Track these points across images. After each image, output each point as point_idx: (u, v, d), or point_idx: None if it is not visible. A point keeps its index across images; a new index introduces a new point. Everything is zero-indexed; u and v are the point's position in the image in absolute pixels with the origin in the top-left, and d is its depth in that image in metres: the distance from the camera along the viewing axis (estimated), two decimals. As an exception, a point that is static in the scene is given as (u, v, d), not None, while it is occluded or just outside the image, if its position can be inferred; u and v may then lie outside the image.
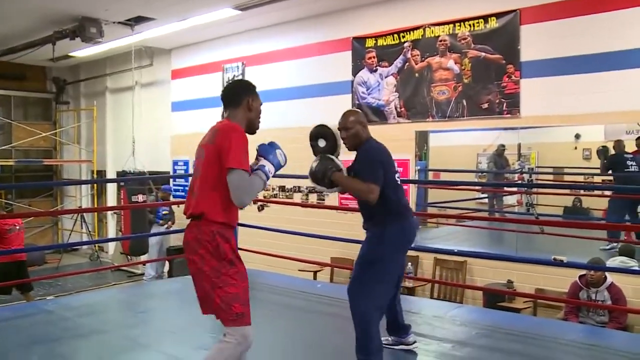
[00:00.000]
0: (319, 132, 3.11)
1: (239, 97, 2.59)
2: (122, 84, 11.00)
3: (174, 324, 4.04)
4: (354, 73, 7.09)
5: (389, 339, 3.32)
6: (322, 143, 3.08)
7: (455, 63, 6.15)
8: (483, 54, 5.93)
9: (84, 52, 9.93)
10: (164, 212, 8.61)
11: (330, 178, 2.95)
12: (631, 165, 5.48)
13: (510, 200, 6.84)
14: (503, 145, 6.40)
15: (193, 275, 2.44)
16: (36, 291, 8.53)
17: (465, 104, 6.08)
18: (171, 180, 9.77)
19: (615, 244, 5.48)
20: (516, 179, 6.31)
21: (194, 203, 2.43)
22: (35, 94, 12.50)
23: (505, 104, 5.78)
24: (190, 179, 2.59)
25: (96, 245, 11.62)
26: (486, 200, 7.07)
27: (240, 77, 8.57)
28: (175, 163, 9.78)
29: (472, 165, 6.99)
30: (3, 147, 11.43)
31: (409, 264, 6.17)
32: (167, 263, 8.65)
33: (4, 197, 11.75)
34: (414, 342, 3.34)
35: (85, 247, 12.17)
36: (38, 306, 4.68)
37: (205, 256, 2.37)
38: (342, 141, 3.08)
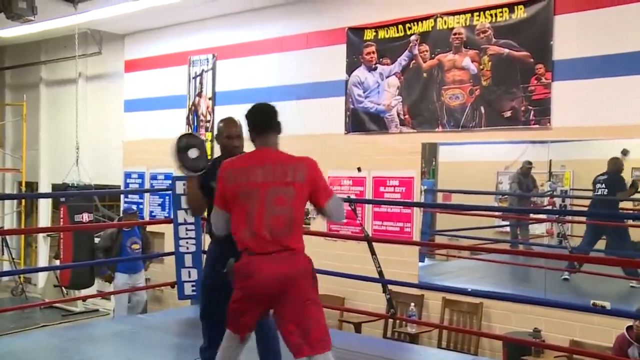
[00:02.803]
0: (190, 142, 3.49)
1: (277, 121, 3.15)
2: (61, 75, 10.94)
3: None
4: (349, 71, 7.13)
5: None
6: (193, 154, 3.46)
7: (472, 61, 6.21)
8: (507, 50, 5.99)
9: (10, 31, 9.75)
10: (133, 246, 7.81)
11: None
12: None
13: (538, 229, 6.89)
14: (530, 163, 6.46)
15: (289, 308, 2.86)
16: (-62, 334, 8.34)
17: (483, 111, 6.13)
18: (122, 196, 9.70)
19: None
20: (546, 203, 6.36)
21: (287, 237, 2.90)
22: (-54, 82, 12.33)
23: (532, 112, 5.83)
24: (246, 206, 2.92)
25: (21, 276, 11.40)
26: (508, 229, 7.13)
27: (210, 72, 8.58)
28: (127, 175, 9.70)
29: (490, 186, 7.04)
30: None
31: (412, 304, 6.18)
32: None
33: None
34: None
35: (5, 278, 11.94)
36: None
37: (309, 286, 2.92)
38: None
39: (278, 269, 2.85)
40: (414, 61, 6.63)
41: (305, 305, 2.87)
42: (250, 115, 3.11)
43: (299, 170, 2.96)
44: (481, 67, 6.15)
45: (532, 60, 5.83)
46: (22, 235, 11.67)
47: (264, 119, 3.10)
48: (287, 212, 2.92)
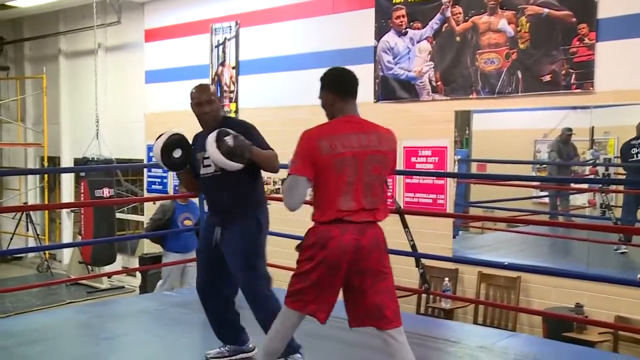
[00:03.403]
0: (176, 142, 3.60)
1: None
2: (80, 46, 10.98)
3: (149, 354, 4.00)
4: (378, 37, 7.05)
5: (224, 349, 3.71)
6: (177, 153, 3.59)
7: (509, 23, 6.09)
8: (546, 10, 5.85)
9: (27, 1, 9.84)
10: (185, 222, 7.04)
11: (250, 153, 3.35)
12: None
13: (579, 200, 6.81)
14: (570, 129, 6.36)
15: (370, 278, 2.92)
16: (-36, 312, 8.55)
17: (520, 76, 6.02)
18: (145, 170, 9.75)
19: None
20: (587, 172, 6.26)
21: (375, 212, 2.97)
22: (-37, 55, 12.48)
23: (574, 76, 5.71)
24: (344, 175, 2.93)
25: (46, 252, 11.61)
26: (547, 200, 7.03)
27: (232, 40, 8.53)
28: (150, 149, 9.73)
29: (528, 154, 6.97)
30: None
31: (446, 278, 6.15)
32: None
33: None
34: (254, 348, 3.68)
35: (31, 255, 12.19)
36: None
37: (386, 258, 3.01)
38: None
39: (358, 239, 2.90)
40: (446, 24, 6.52)
41: (384, 277, 2.96)
42: (339, 79, 3.07)
43: (387, 141, 3.04)
44: (518, 28, 6.03)
45: (574, 19, 5.69)
46: (46, 211, 11.85)
47: (353, 84, 3.08)
48: (380, 180, 3.01)
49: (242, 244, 3.45)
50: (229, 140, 3.28)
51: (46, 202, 11.84)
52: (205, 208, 4.02)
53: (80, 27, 10.65)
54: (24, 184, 12.39)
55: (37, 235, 11.56)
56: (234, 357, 3.69)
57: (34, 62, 12.26)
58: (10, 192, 12.60)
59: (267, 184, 8.01)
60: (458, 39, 6.44)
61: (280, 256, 6.88)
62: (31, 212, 11.59)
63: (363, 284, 2.92)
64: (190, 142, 3.67)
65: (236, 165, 3.30)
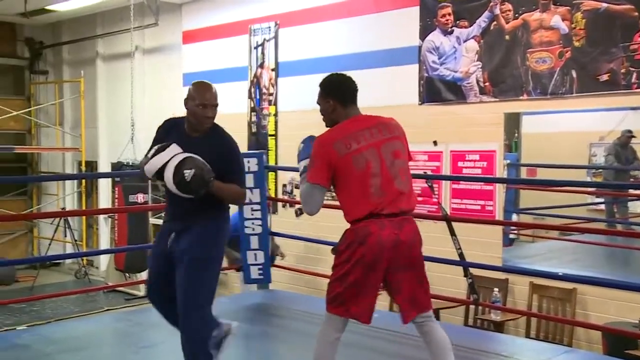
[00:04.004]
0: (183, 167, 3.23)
1: None
2: (118, 49, 11.15)
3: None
4: (423, 36, 7.00)
5: None
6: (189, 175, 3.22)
7: (563, 20, 5.98)
8: (604, 4, 5.72)
9: (67, 4, 10.05)
10: None
11: (207, 190, 3.21)
12: None
13: (639, 206, 6.63)
14: (630, 132, 6.27)
15: (411, 272, 3.08)
16: (4, 319, 8.72)
17: (575, 75, 5.90)
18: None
19: None
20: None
21: (411, 196, 3.14)
22: (2, 59, 12.74)
23: (635, 75, 5.56)
24: (368, 167, 3.05)
25: (84, 258, 11.81)
26: (603, 207, 6.91)
27: (272, 41, 8.55)
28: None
29: (582, 159, 6.90)
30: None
31: (495, 289, 6.04)
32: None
33: (-37, 195, 12.00)
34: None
35: (69, 261, 12.40)
36: (8, 339, 4.76)
37: (421, 251, 3.16)
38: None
39: (397, 234, 3.01)
40: (495, 22, 6.43)
41: (422, 268, 3.16)
42: (340, 85, 3.24)
43: (396, 127, 3.22)
44: (573, 25, 5.90)
45: (636, 14, 5.53)
46: (83, 217, 12.05)
47: (354, 90, 3.25)
48: (405, 163, 3.17)
49: (198, 255, 3.32)
50: (188, 175, 3.15)
51: (84, 208, 12.03)
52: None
53: (117, 30, 10.81)
54: (62, 189, 12.62)
55: (75, 241, 11.75)
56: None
57: (72, 65, 12.50)
58: (49, 197, 12.85)
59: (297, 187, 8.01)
60: (507, 37, 6.35)
61: (315, 263, 6.89)
62: (69, 218, 11.77)
63: (405, 279, 3.06)
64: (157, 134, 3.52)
65: (186, 196, 3.22)
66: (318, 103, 3.29)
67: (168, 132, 3.47)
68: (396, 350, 4.35)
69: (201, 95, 3.33)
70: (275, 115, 8.52)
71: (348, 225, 3.14)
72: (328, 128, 3.25)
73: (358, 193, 3.03)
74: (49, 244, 11.73)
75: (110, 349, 4.61)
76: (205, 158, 3.24)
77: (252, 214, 5.67)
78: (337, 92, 3.21)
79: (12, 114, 12.08)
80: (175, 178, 3.17)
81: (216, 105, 3.36)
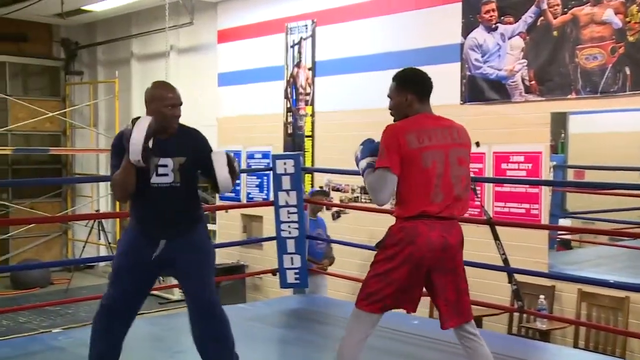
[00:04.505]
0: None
1: None
2: (153, 49, 11.32)
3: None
4: (465, 33, 6.95)
5: None
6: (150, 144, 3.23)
7: (616, 13, 5.86)
8: (661, -3, 5.63)
9: (102, 5, 10.22)
10: (319, 246, 6.92)
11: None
12: None
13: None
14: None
15: (454, 275, 3.13)
16: (39, 321, 8.88)
17: (628, 72, 5.78)
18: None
19: None
20: None
21: (462, 204, 3.17)
22: (39, 60, 13.01)
23: (692, 72, 5.45)
24: (434, 168, 3.09)
25: (117, 261, 11.92)
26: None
27: (309, 40, 8.56)
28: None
29: (635, 160, 6.72)
30: (-4, 132, 11.86)
31: (541, 296, 5.94)
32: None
33: (-2, 197, 12.25)
34: None
35: (102, 263, 12.53)
36: (44, 341, 4.80)
37: (462, 256, 3.20)
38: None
39: (446, 237, 3.06)
40: (542, 18, 6.34)
41: (462, 275, 3.18)
42: (419, 78, 3.22)
43: (465, 135, 3.24)
44: (627, 19, 5.78)
45: (697, 5, 5.44)
46: (117, 219, 12.20)
47: (431, 85, 3.23)
48: (467, 172, 3.21)
49: (203, 256, 3.46)
50: (237, 166, 3.38)
51: (117, 210, 12.18)
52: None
53: (152, 30, 10.95)
54: (96, 191, 12.80)
55: (109, 243, 11.91)
56: None
57: (107, 66, 12.70)
58: (83, 199, 13.06)
59: (344, 191, 8.00)
60: (555, 33, 6.25)
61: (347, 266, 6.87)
62: (103, 220, 11.94)
63: (448, 282, 3.11)
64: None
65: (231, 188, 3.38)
66: (389, 97, 3.26)
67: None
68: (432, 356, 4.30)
69: (170, 95, 3.36)
70: (312, 115, 8.53)
71: (389, 225, 3.15)
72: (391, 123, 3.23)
73: (419, 190, 3.05)
74: (83, 247, 11.90)
75: (144, 352, 4.65)
76: (188, 156, 3.34)
77: (289, 217, 5.67)
78: (416, 87, 3.19)
79: (47, 115, 12.29)
80: (232, 174, 3.30)
81: (181, 103, 3.42)
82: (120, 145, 3.31)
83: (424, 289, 3.16)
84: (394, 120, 3.23)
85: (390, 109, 3.28)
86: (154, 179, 3.32)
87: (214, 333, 3.42)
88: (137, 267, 3.41)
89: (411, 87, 3.18)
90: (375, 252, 3.17)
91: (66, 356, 4.29)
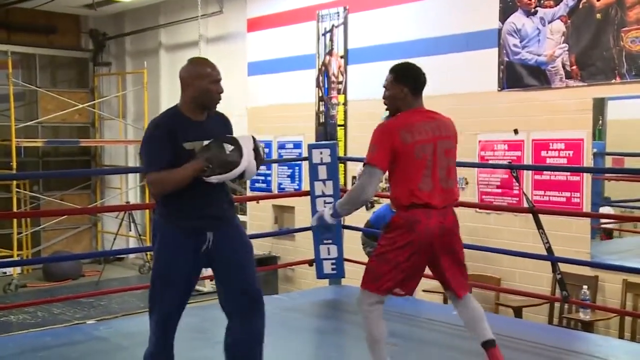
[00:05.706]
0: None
1: None
2: (181, 39, 11.36)
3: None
4: (503, 18, 6.88)
5: None
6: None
7: (664, -6, 5.77)
8: None
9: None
10: None
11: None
12: None
13: None
14: None
15: (453, 255, 3.42)
16: (72, 313, 9.01)
17: (675, 55, 5.71)
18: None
19: None
20: None
21: (454, 191, 3.49)
22: (67, 52, 13.13)
23: None
24: (424, 159, 3.34)
25: (147, 253, 11.97)
26: None
27: (341, 27, 8.53)
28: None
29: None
30: (26, 124, 11.96)
31: (584, 286, 5.88)
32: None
33: (29, 189, 12.36)
34: None
35: (132, 255, 12.72)
36: (86, 331, 4.90)
37: (459, 236, 3.51)
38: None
39: (442, 222, 3.34)
40: (584, 0, 6.24)
41: (461, 251, 3.49)
42: (416, 74, 3.47)
43: (451, 127, 3.52)
44: (675, 0, 5.69)
45: None
46: (147, 211, 12.28)
47: (425, 81, 3.47)
48: (453, 162, 3.49)
49: (248, 242, 3.47)
50: (262, 151, 3.33)
51: (147, 201, 12.27)
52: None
53: (181, 19, 10.99)
54: (125, 183, 12.93)
55: (139, 235, 12.02)
56: None
57: (135, 57, 12.75)
58: (112, 191, 13.18)
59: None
60: (598, 15, 6.16)
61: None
62: (133, 212, 12.03)
63: (450, 260, 3.41)
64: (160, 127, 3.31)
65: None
66: (385, 87, 3.48)
67: (174, 133, 3.23)
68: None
69: (212, 72, 3.24)
70: (345, 104, 8.51)
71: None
72: (388, 112, 3.51)
73: (412, 182, 3.32)
74: (114, 239, 11.99)
75: (186, 343, 4.65)
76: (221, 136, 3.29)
77: (325, 207, 5.66)
78: (412, 81, 3.43)
79: (76, 107, 12.43)
80: (257, 159, 3.25)
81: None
82: (164, 137, 3.18)
83: (429, 271, 3.51)
84: (387, 109, 3.50)
85: (384, 98, 3.49)
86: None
87: (262, 327, 3.41)
88: (188, 267, 3.27)
89: (407, 80, 3.42)
90: (379, 239, 3.49)
91: (109, 346, 4.38)
